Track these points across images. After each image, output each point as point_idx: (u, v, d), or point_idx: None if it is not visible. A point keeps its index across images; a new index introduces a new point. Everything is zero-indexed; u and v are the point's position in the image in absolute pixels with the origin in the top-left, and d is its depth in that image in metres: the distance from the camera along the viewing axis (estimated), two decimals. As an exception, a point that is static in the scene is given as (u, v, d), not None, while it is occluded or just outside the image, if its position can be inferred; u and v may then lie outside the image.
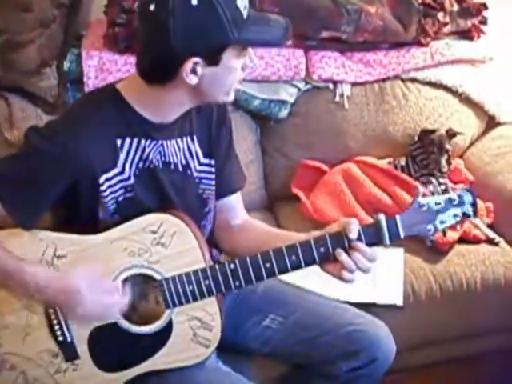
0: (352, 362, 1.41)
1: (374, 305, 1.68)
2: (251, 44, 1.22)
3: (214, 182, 1.41)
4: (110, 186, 1.26)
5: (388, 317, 1.59)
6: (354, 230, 1.23)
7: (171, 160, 1.33)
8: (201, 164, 1.38)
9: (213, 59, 1.18)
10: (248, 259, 1.25)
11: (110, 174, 1.25)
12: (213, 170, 1.40)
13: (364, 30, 2.08)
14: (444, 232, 1.23)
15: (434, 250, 1.84)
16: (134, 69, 1.26)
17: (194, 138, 1.37)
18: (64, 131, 1.23)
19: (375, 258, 1.25)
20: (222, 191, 1.45)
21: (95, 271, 1.23)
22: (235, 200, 1.49)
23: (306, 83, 2.12)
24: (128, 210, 1.28)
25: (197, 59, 1.16)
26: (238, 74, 1.24)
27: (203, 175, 1.39)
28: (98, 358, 1.30)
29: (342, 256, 1.23)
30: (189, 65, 1.16)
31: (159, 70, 1.20)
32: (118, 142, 1.26)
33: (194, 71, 1.18)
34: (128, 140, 1.27)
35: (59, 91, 1.97)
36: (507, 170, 2.05)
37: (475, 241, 1.89)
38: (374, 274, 1.74)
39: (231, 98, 1.28)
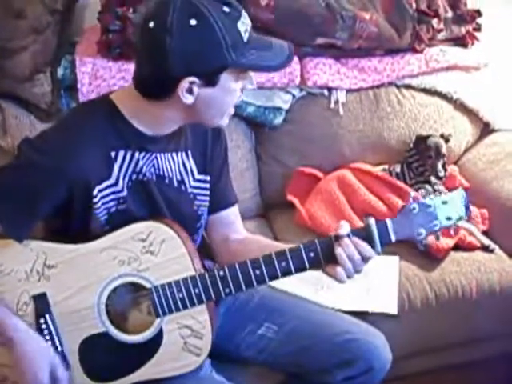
0: (347, 371, 1.41)
1: (369, 313, 1.67)
2: (250, 68, 1.21)
3: (207, 198, 1.41)
4: (102, 197, 1.25)
5: (384, 325, 1.59)
6: (345, 227, 1.22)
7: (166, 174, 1.32)
8: (195, 180, 1.38)
9: (210, 80, 1.17)
10: (237, 266, 1.25)
11: (102, 186, 1.25)
12: (207, 186, 1.40)
13: (359, 37, 2.08)
14: (437, 236, 1.21)
15: (429, 257, 1.83)
16: (128, 76, 1.27)
17: (189, 153, 1.36)
18: (57, 142, 1.22)
19: (368, 253, 1.22)
20: (217, 205, 1.45)
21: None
22: (232, 215, 1.48)
23: (301, 90, 2.12)
24: (120, 222, 1.27)
25: (193, 79, 1.15)
26: (236, 96, 1.23)
27: (197, 191, 1.39)
28: (89, 368, 1.29)
29: (338, 250, 1.22)
30: (185, 84, 1.16)
31: (155, 86, 1.19)
32: (112, 153, 1.25)
33: (190, 91, 1.17)
34: (122, 152, 1.26)
35: (53, 98, 1.96)
36: (502, 177, 2.05)
37: (470, 248, 1.88)
38: (369, 282, 1.74)
39: (225, 122, 1.28)
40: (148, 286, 1.25)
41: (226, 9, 1.14)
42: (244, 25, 1.16)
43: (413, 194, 1.26)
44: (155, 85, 1.19)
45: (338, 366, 1.41)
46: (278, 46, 1.22)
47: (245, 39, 1.16)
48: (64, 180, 1.20)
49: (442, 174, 2.01)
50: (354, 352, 1.40)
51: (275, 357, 1.46)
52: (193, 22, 1.11)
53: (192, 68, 1.15)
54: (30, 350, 1.21)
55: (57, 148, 1.20)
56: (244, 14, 1.17)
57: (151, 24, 1.14)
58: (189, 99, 1.18)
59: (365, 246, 1.22)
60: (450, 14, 2.21)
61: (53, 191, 1.21)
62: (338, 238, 1.22)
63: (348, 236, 1.22)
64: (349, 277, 1.24)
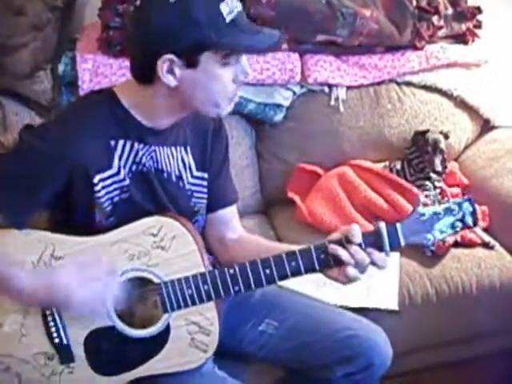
0: (348, 367, 1.41)
1: (369, 309, 1.68)
2: (228, 48, 1.17)
3: (205, 196, 1.41)
4: (104, 187, 1.25)
5: (384, 321, 1.59)
6: (357, 235, 1.22)
7: (164, 168, 1.33)
8: (193, 177, 1.38)
9: (189, 61, 1.16)
10: (248, 265, 1.25)
11: (104, 175, 1.25)
12: (205, 183, 1.40)
13: (359, 34, 2.09)
14: (444, 241, 1.22)
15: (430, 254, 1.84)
16: (129, 73, 1.26)
17: (188, 149, 1.36)
18: (57, 130, 1.23)
19: (383, 263, 1.23)
20: (216, 204, 1.45)
21: (81, 261, 1.20)
22: (230, 213, 1.49)
23: (302, 87, 2.12)
24: (124, 212, 1.27)
25: (171, 56, 1.15)
26: (225, 84, 1.20)
27: (195, 188, 1.39)
28: (94, 361, 1.29)
29: (339, 251, 1.22)
30: (164, 63, 1.16)
31: (139, 66, 1.21)
32: (112, 143, 1.25)
33: (171, 71, 1.17)
34: (121, 142, 1.26)
35: (53, 95, 1.96)
36: (502, 174, 2.05)
37: (471, 244, 1.89)
38: (370, 278, 1.74)
39: (224, 111, 1.25)
40: (157, 281, 1.26)
41: None
42: (228, 6, 1.15)
43: (422, 199, 1.27)
44: (139, 64, 1.21)
45: (338, 362, 1.41)
46: (266, 32, 1.21)
47: (227, 20, 1.15)
48: (64, 166, 1.20)
49: (439, 168, 2.01)
50: (355, 348, 1.41)
51: (276, 353, 1.46)
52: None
53: (167, 44, 1.15)
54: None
55: (57, 135, 1.21)
56: None
57: (138, 2, 1.17)
58: (171, 81, 1.18)
59: (380, 256, 1.22)
60: (450, 10, 2.22)
61: (53, 178, 1.21)
62: (348, 241, 1.23)
63: (360, 245, 1.22)
64: (352, 280, 1.25)
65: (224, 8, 1.15)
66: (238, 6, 1.18)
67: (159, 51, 1.16)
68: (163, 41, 1.15)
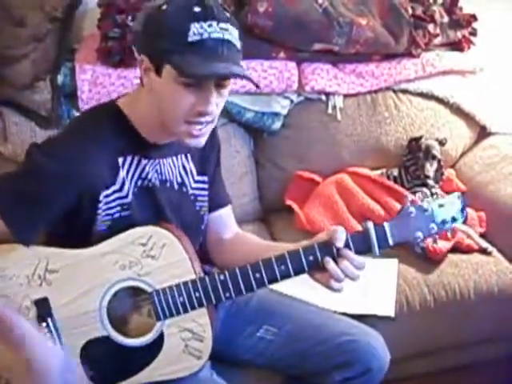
0: (346, 373, 1.41)
1: (367, 315, 1.68)
2: (171, 65, 1.15)
3: (207, 198, 1.43)
4: (106, 203, 1.27)
5: (382, 327, 1.60)
6: (340, 238, 1.23)
7: (167, 178, 1.34)
8: (195, 181, 1.40)
9: (156, 67, 1.18)
10: (237, 270, 1.26)
11: (109, 191, 1.26)
12: (206, 186, 1.42)
13: (356, 42, 2.10)
14: (434, 239, 1.23)
15: (427, 260, 1.85)
16: (128, 83, 1.28)
17: (188, 156, 1.39)
18: (66, 149, 1.23)
19: (363, 266, 1.24)
20: (212, 205, 1.47)
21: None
22: (226, 214, 1.51)
23: (299, 95, 2.14)
24: (122, 229, 1.27)
25: (144, 57, 1.19)
26: (179, 105, 1.18)
27: (198, 192, 1.41)
28: (91, 371, 1.29)
29: (330, 264, 1.23)
30: (141, 62, 1.20)
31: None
32: (120, 159, 1.27)
33: (147, 71, 1.20)
34: (129, 158, 1.28)
35: (53, 105, 1.97)
36: (498, 180, 2.06)
37: (468, 250, 1.89)
38: (367, 284, 1.75)
39: (186, 136, 1.22)
40: (149, 289, 1.26)
41: (196, 8, 1.14)
42: (201, 29, 1.13)
43: (410, 197, 1.27)
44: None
45: (336, 367, 1.41)
46: (224, 65, 1.14)
47: (189, 39, 1.13)
48: (73, 185, 1.21)
49: (429, 173, 2.02)
50: (353, 353, 1.41)
51: (274, 359, 1.47)
52: (164, 6, 1.17)
53: (143, 44, 1.20)
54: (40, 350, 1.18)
55: (66, 154, 1.22)
56: (214, 24, 1.14)
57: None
58: (145, 81, 1.22)
59: (356, 259, 1.23)
60: (445, 18, 2.23)
61: (62, 196, 1.22)
62: (340, 255, 1.23)
63: (347, 247, 1.23)
64: (339, 281, 1.25)
65: (193, 28, 1.13)
66: (218, 34, 1.14)
67: (139, 50, 1.21)
68: (142, 41, 1.20)
